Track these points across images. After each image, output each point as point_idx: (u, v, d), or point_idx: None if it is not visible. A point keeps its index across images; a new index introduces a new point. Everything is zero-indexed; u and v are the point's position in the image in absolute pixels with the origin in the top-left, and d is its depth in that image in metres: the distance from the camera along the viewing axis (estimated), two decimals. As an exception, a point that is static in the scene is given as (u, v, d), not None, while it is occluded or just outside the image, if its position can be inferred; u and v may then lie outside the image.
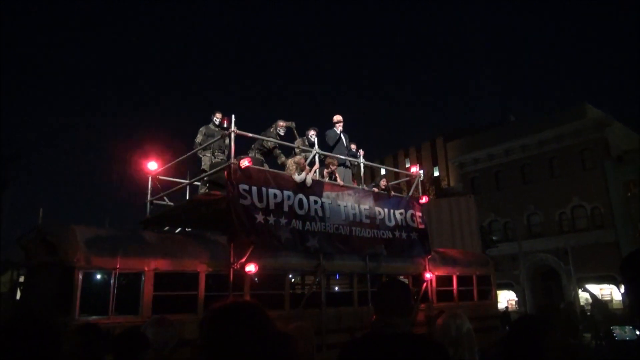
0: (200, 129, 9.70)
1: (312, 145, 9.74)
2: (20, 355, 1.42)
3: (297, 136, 10.12)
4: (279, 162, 9.55)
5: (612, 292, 27.55)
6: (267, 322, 1.23)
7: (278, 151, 9.61)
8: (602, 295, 27.60)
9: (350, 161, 10.59)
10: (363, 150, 10.85)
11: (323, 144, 9.97)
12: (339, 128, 10.49)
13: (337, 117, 10.62)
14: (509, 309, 28.06)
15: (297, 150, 9.80)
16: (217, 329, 1.17)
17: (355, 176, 11.12)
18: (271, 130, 9.59)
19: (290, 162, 8.83)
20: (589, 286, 25.99)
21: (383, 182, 11.11)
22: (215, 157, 9.49)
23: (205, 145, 9.36)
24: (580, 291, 25.51)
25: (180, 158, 9.58)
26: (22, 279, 8.69)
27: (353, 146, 10.95)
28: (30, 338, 1.45)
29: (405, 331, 2.28)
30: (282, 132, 9.68)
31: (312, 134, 10.07)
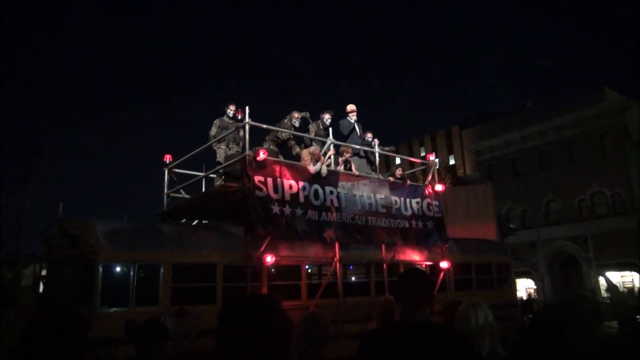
0: (215, 122, 9.69)
1: (326, 129, 9.70)
2: (50, 342, 1.45)
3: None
4: (294, 153, 9.53)
5: (633, 279, 27.12)
6: (279, 315, 1.21)
7: (292, 142, 9.59)
8: (623, 282, 27.20)
9: (364, 150, 10.51)
10: (378, 139, 10.78)
11: (337, 133, 9.91)
12: (352, 117, 10.42)
13: (351, 107, 10.53)
14: (532, 297, 27.78)
15: (311, 133, 9.71)
16: (230, 321, 1.17)
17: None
18: (285, 121, 9.56)
19: (305, 153, 8.81)
20: (609, 273, 25.65)
21: (399, 172, 11.01)
22: (230, 149, 9.49)
23: (219, 137, 9.35)
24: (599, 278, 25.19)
25: (196, 151, 9.62)
26: (44, 272, 8.87)
27: (369, 135, 10.88)
28: (59, 326, 1.48)
29: (426, 321, 2.26)
30: (297, 124, 9.64)
31: (327, 118, 10.00)
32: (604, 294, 22.19)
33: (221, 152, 9.47)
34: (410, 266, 9.95)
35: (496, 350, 2.84)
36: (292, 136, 9.54)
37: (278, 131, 9.33)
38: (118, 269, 6.94)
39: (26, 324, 1.50)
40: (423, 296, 2.32)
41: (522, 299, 23.01)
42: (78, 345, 1.51)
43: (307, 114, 9.97)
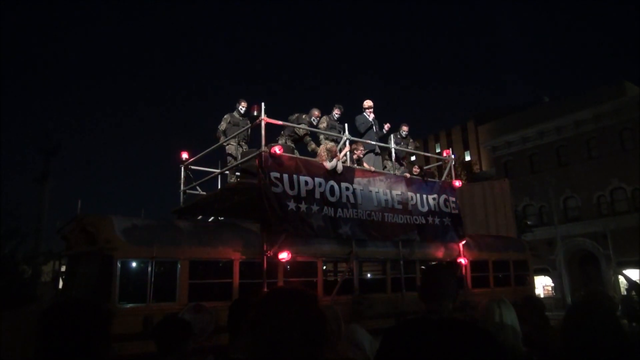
0: (225, 117, 9.63)
1: (336, 121, 9.70)
2: (74, 335, 1.44)
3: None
4: (309, 149, 9.48)
5: (654, 277, 26.61)
6: (314, 310, 1.18)
7: (308, 138, 9.54)
8: (643, 280, 26.67)
9: (379, 146, 10.44)
10: (405, 130, 10.92)
11: (352, 128, 9.84)
12: (370, 115, 10.33)
13: (368, 102, 10.44)
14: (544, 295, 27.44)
15: (322, 126, 9.65)
16: (265, 313, 1.14)
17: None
18: (304, 116, 9.47)
19: (322, 149, 8.77)
20: (629, 271, 25.17)
21: (415, 169, 10.90)
22: (241, 147, 9.48)
23: (232, 135, 9.31)
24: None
25: (211, 148, 9.63)
26: (63, 268, 8.98)
27: (404, 128, 10.92)
28: (84, 319, 1.47)
29: (450, 317, 2.21)
30: (315, 122, 9.56)
31: (336, 113, 9.94)
32: (623, 291, 21.78)
33: (231, 148, 9.42)
34: (427, 263, 9.87)
35: (518, 347, 2.78)
36: (308, 132, 9.50)
37: (295, 127, 9.27)
38: (136, 265, 6.99)
39: (48, 316, 1.49)
40: (447, 292, 2.27)
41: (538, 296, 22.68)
42: (103, 339, 1.49)
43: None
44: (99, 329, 1.49)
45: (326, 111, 10.00)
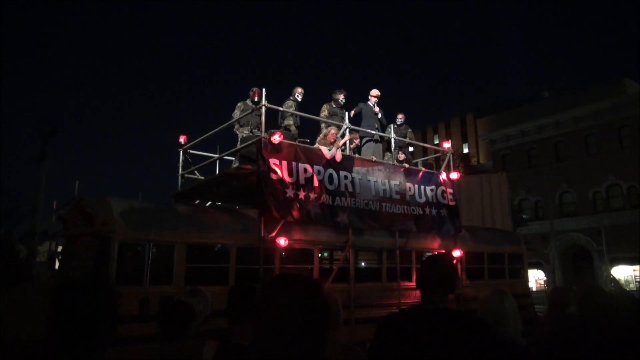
0: (238, 104, 9.57)
1: (341, 107, 9.66)
2: (84, 313, 1.45)
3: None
4: (285, 124, 9.17)
5: (646, 273, 26.87)
6: (319, 297, 1.20)
7: (288, 114, 9.23)
8: (635, 276, 26.96)
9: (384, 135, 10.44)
10: (400, 120, 10.86)
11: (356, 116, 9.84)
12: (375, 106, 10.34)
13: (376, 92, 10.45)
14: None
15: (322, 115, 9.59)
16: (270, 298, 1.15)
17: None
18: (290, 97, 9.38)
19: (334, 130, 8.75)
20: (621, 267, 25.41)
21: (401, 156, 10.73)
22: (253, 134, 9.42)
23: (237, 118, 9.21)
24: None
25: (210, 132, 9.60)
26: (60, 249, 8.98)
27: (400, 116, 10.88)
28: (93, 297, 1.48)
29: (446, 307, 2.23)
30: (299, 98, 9.36)
31: (341, 98, 9.88)
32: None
33: (244, 135, 9.39)
34: (423, 253, 9.93)
35: (517, 339, 2.81)
36: (291, 113, 9.22)
37: (282, 111, 9.14)
38: (133, 247, 7.00)
39: (59, 293, 1.49)
40: (445, 283, 2.29)
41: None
42: (112, 319, 1.51)
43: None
44: (110, 309, 1.50)
45: (327, 97, 9.97)
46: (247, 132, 9.31)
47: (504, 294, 2.80)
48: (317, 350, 1.12)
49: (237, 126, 9.36)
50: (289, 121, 9.19)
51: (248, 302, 2.49)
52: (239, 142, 9.41)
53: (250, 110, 9.20)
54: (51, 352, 1.43)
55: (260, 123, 9.41)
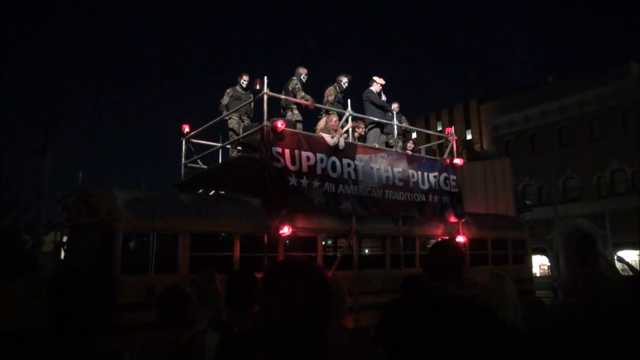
0: (227, 91, 9.63)
1: (343, 91, 9.62)
2: (81, 301, 1.45)
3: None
4: (299, 97, 8.99)
5: (650, 258, 26.86)
6: (322, 283, 1.20)
7: (298, 86, 9.10)
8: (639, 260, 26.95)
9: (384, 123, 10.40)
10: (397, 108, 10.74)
11: (359, 104, 9.79)
12: (379, 92, 10.31)
13: (380, 80, 10.42)
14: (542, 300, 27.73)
15: (330, 99, 9.52)
16: (272, 284, 1.15)
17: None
18: (293, 78, 9.27)
19: (335, 118, 8.72)
20: (625, 252, 25.37)
21: (409, 145, 10.85)
22: (242, 121, 9.45)
23: (232, 110, 9.26)
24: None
25: (213, 121, 9.59)
26: (65, 239, 9.03)
27: (395, 105, 10.81)
28: (90, 286, 1.49)
29: (451, 294, 2.24)
30: (304, 79, 9.30)
31: (344, 81, 9.83)
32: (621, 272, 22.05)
33: (233, 122, 9.40)
34: (426, 240, 9.96)
35: (517, 324, 2.82)
36: (298, 87, 9.07)
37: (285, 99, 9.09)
38: (138, 236, 7.03)
39: (55, 282, 1.50)
40: (451, 269, 2.29)
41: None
42: (109, 307, 1.51)
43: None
44: (107, 297, 1.51)
45: (331, 81, 9.89)
46: (237, 118, 9.30)
47: (504, 279, 2.81)
48: (319, 335, 1.12)
49: (225, 111, 9.36)
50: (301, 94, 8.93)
51: (248, 289, 2.51)
52: (230, 126, 9.40)
53: (248, 100, 9.17)
54: (50, 341, 1.44)
55: (250, 111, 9.41)
